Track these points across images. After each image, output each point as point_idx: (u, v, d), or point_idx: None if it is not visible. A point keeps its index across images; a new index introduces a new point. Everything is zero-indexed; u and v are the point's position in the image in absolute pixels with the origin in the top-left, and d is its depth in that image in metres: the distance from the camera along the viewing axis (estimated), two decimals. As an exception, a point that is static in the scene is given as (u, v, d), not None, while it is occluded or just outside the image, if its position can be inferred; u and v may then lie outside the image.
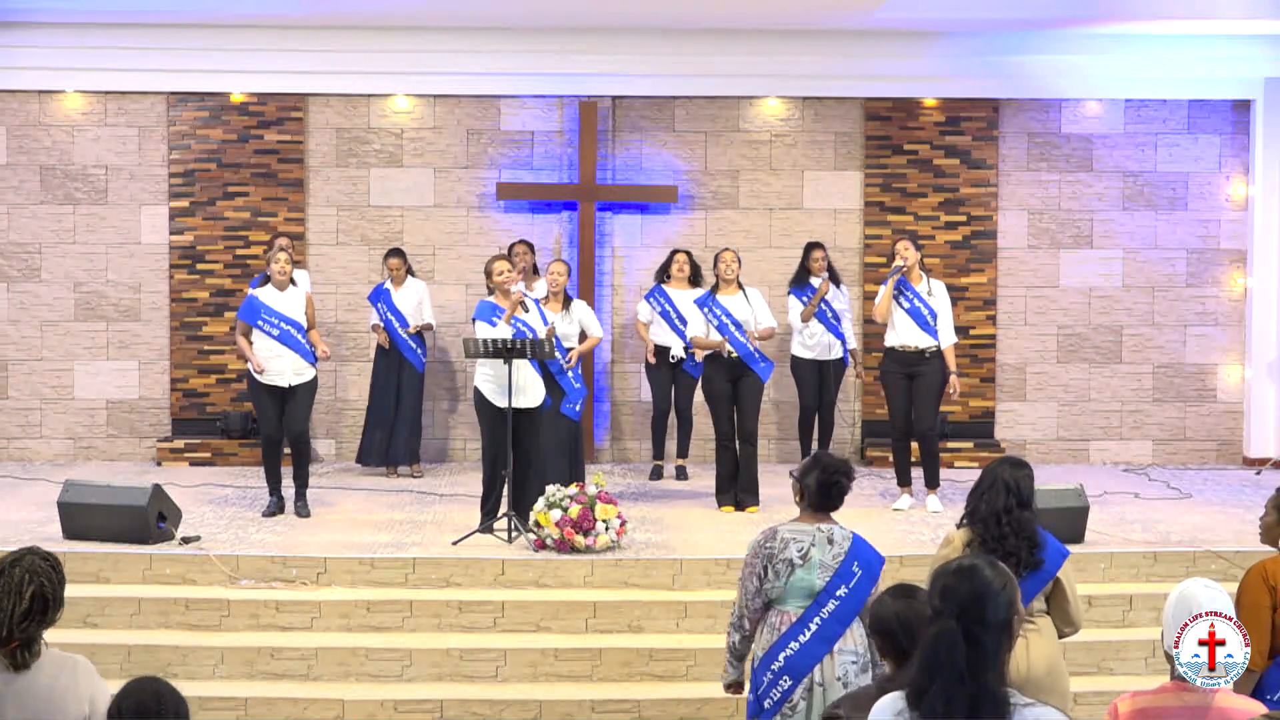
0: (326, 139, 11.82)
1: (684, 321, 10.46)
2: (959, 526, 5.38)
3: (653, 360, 10.85)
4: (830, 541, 5.17)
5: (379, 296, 11.08)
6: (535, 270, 10.73)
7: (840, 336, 10.72)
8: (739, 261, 9.81)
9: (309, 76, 11.64)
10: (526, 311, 8.86)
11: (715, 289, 9.74)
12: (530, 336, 8.69)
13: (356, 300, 11.73)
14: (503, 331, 8.69)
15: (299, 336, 9.23)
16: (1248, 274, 11.92)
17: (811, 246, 10.86)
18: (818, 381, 10.70)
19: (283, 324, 9.19)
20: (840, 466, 5.26)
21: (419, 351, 11.08)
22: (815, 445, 11.03)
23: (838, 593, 5.11)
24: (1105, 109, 11.92)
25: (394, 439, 11.02)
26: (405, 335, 10.97)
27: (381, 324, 11.01)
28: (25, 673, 3.97)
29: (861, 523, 9.03)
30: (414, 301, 11.06)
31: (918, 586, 4.20)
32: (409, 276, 11.13)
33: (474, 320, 8.97)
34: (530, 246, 10.92)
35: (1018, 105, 11.90)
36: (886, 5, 10.52)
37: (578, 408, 9.75)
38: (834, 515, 5.31)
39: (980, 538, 5.20)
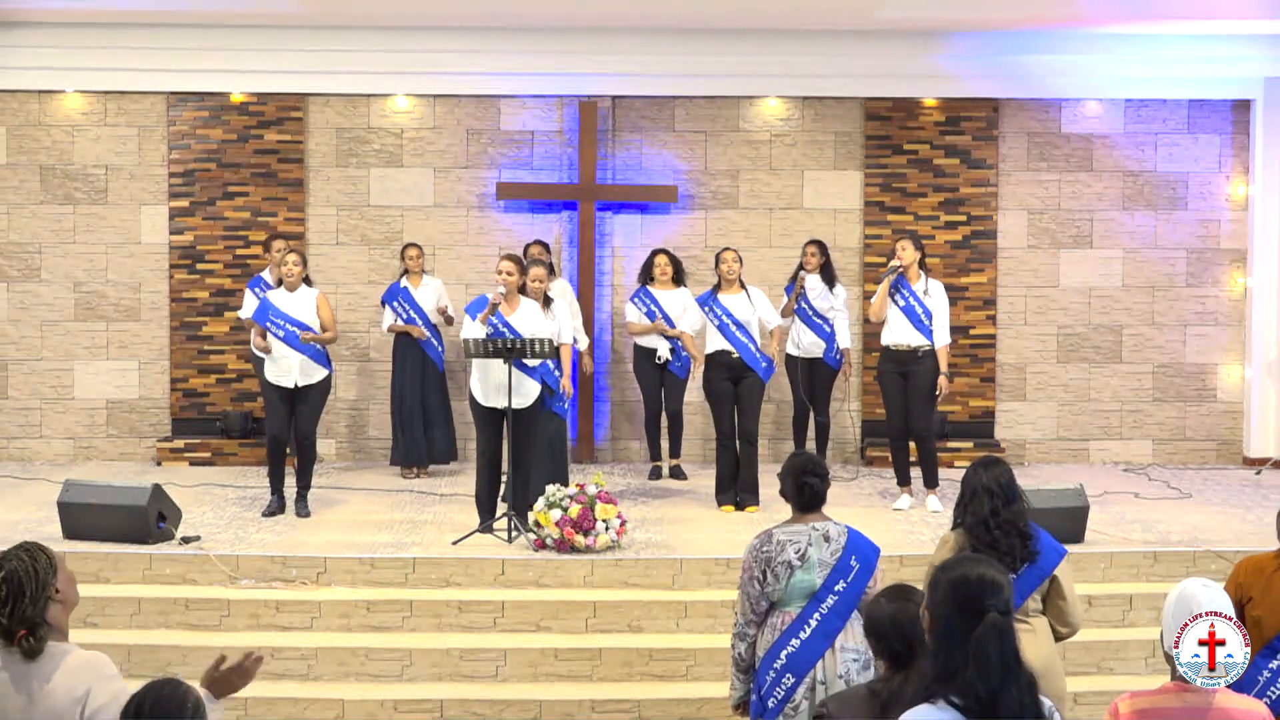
0: (326, 139, 11.82)
1: (671, 322, 10.47)
2: (953, 530, 5.37)
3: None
4: (826, 539, 5.17)
5: (396, 295, 11.04)
6: (551, 270, 10.62)
7: (824, 336, 10.71)
8: (740, 261, 9.80)
9: (309, 76, 11.64)
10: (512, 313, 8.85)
11: (717, 288, 9.73)
12: (509, 336, 8.66)
13: (357, 300, 11.73)
14: (475, 330, 8.71)
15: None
16: (1248, 274, 11.92)
17: (808, 243, 10.87)
18: (800, 379, 10.76)
19: (289, 325, 9.18)
20: (807, 466, 5.26)
21: (440, 349, 11.08)
22: (812, 446, 11.07)
23: (836, 588, 5.10)
24: (1105, 109, 11.92)
25: (430, 437, 11.00)
26: (428, 335, 10.96)
27: (405, 322, 10.98)
28: (33, 665, 3.91)
29: (861, 523, 9.02)
30: (433, 300, 11.05)
31: (914, 588, 4.19)
32: (423, 275, 11.12)
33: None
34: (545, 246, 10.90)
35: (1018, 105, 11.90)
36: (886, 5, 10.52)
37: (565, 405, 9.74)
38: (826, 511, 5.30)
39: (973, 546, 5.18)
